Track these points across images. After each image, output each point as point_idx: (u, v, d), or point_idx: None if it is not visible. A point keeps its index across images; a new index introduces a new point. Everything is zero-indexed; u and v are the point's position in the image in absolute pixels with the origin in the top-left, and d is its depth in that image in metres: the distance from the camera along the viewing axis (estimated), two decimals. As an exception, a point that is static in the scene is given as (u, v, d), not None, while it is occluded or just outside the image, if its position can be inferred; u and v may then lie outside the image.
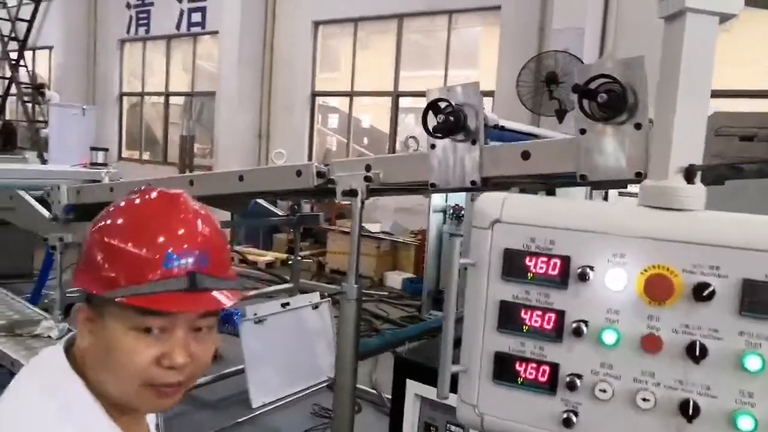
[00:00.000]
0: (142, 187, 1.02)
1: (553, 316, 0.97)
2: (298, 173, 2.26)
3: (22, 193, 3.63)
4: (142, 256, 0.91)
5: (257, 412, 4.12)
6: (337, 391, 2.22)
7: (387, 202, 8.32)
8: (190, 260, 0.92)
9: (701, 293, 0.88)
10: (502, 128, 2.06)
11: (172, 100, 13.63)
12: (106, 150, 6.62)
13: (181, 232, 0.94)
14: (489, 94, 8.32)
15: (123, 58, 14.18)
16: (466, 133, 1.83)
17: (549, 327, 0.97)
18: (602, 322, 0.94)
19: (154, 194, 0.99)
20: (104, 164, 6.54)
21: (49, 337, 2.80)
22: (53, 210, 3.36)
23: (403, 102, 9.80)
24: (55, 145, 10.96)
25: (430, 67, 9.63)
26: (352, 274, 2.12)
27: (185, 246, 0.93)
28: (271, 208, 5.00)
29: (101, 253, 0.94)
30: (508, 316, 0.99)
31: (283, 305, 4.60)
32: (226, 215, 4.11)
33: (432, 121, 1.84)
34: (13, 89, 15.47)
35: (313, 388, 4.53)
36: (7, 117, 16.07)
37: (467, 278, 1.02)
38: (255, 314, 4.35)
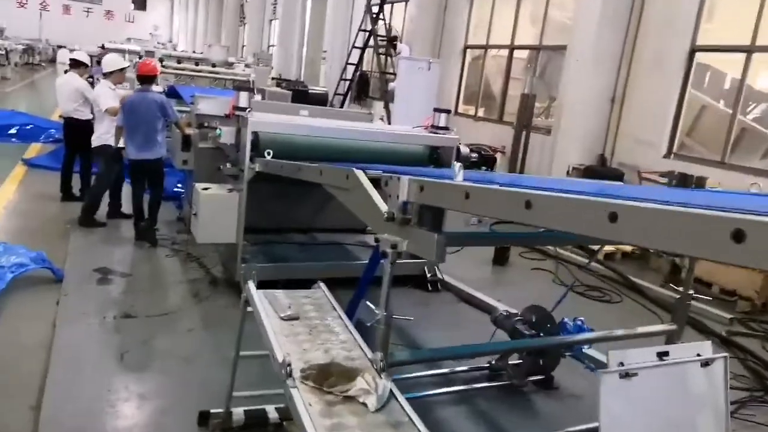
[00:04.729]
0: None
1: None
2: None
3: (359, 174, 2.96)
4: None
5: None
6: None
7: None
8: None
9: None
10: None
11: (516, 54, 12.68)
12: (448, 112, 5.90)
13: None
14: None
15: (472, 10, 13.69)
16: None
17: None
18: None
19: None
20: (446, 128, 5.88)
21: (365, 404, 1.90)
22: (389, 204, 2.58)
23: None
24: (400, 98, 11.07)
25: None
26: None
27: None
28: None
29: None
30: None
31: (660, 355, 3.26)
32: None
33: None
34: (371, 41, 16.52)
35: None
36: (364, 68, 17.39)
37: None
38: (621, 364, 3.12)
